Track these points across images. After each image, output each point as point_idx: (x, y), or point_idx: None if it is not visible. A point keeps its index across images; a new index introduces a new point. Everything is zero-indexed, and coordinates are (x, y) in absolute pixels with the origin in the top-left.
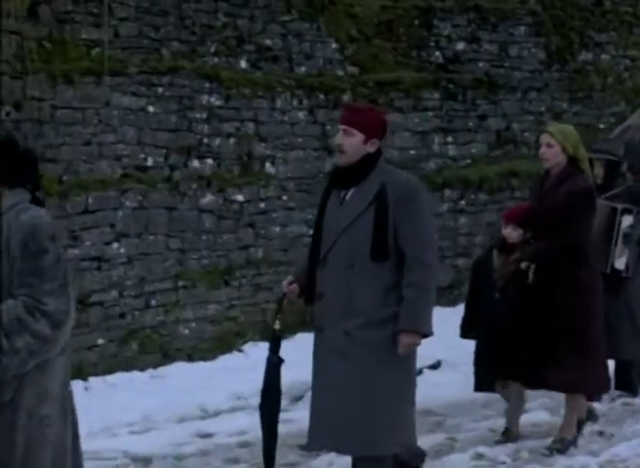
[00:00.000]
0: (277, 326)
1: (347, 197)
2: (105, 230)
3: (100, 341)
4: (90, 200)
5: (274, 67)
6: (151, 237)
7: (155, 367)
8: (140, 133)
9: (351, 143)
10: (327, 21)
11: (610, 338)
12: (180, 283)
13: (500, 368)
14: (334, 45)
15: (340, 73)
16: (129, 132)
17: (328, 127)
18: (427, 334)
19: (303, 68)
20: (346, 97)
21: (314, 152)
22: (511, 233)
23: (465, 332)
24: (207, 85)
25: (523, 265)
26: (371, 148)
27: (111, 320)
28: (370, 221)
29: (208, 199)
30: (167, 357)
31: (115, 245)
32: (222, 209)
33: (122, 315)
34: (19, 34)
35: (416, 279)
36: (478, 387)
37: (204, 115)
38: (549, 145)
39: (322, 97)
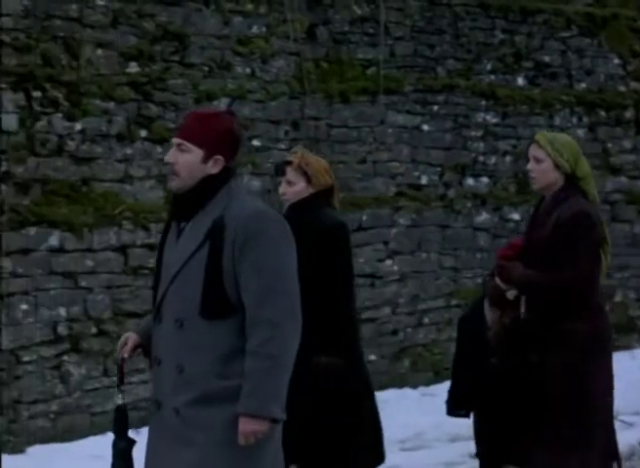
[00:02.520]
0: (120, 400)
1: (183, 233)
2: (379, 247)
3: (373, 357)
4: (364, 217)
5: (553, 84)
6: (424, 255)
7: (427, 384)
8: (414, 151)
9: (185, 162)
10: (608, 37)
11: None
12: (454, 301)
13: (504, 451)
14: (616, 60)
15: (623, 89)
16: (403, 150)
17: (609, 144)
18: (276, 419)
19: (583, 84)
20: (628, 114)
21: (596, 171)
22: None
23: (453, 409)
24: (483, 102)
25: (510, 295)
26: (213, 168)
27: (384, 336)
28: (202, 266)
29: (483, 217)
30: (438, 375)
31: (388, 262)
32: (498, 227)
33: (394, 332)
34: (297, 55)
35: (258, 345)
36: None
37: (479, 133)
38: (537, 160)
39: (603, 113)
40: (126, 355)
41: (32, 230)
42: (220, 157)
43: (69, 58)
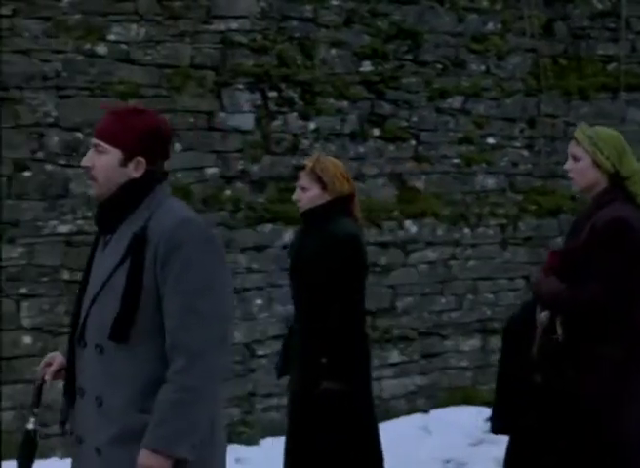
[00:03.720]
0: (31, 425)
1: (107, 247)
2: None
3: None
4: None
5: None
6: None
7: None
8: None
9: (102, 165)
10: None
11: None
12: None
13: None
14: None
15: None
16: None
17: None
18: (181, 459)
19: None
20: None
21: None
22: None
23: (498, 426)
24: None
25: (543, 316)
26: (134, 172)
27: None
28: (122, 284)
29: None
30: None
31: None
32: None
33: None
34: (534, 52)
35: (172, 373)
36: None
37: None
38: (575, 158)
39: None
40: (47, 377)
41: (267, 227)
42: (141, 159)
43: (304, 57)
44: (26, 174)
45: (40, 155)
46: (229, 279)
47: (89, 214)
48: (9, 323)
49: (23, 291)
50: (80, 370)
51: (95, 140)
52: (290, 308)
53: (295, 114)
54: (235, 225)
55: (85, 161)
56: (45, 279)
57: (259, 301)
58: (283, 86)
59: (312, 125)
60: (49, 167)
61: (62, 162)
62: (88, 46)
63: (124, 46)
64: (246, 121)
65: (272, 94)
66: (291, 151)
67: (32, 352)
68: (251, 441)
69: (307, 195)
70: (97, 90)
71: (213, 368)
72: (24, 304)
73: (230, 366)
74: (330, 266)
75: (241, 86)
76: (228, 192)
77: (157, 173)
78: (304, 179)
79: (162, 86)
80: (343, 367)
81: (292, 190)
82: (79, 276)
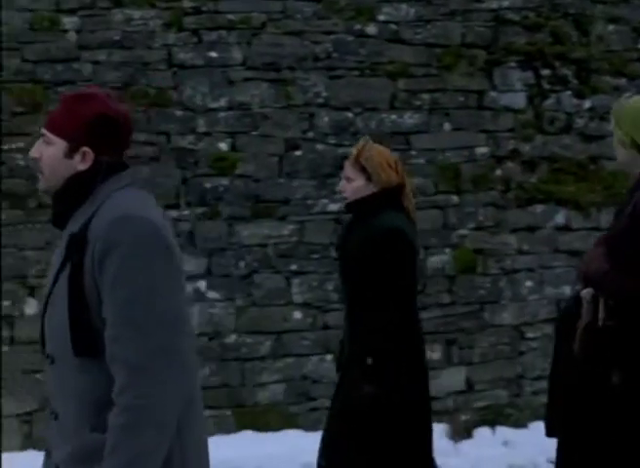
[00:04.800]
0: None
1: (59, 245)
2: None
3: None
4: None
5: None
6: None
7: None
8: None
9: (48, 157)
10: None
11: None
12: None
13: None
14: None
15: None
16: None
17: None
18: None
19: None
20: None
21: None
22: None
23: (552, 428)
24: None
25: (584, 294)
26: (81, 164)
27: None
28: (65, 290)
29: None
30: None
31: None
32: None
33: None
34: None
35: (116, 393)
36: None
37: None
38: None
39: None
40: None
41: (539, 208)
42: (87, 149)
43: (579, 34)
44: (297, 153)
45: (310, 135)
46: (178, 281)
47: None
48: (280, 298)
49: (294, 267)
50: (46, 381)
51: (42, 130)
52: (561, 290)
53: (569, 93)
54: (505, 205)
55: (32, 152)
56: (315, 256)
57: (529, 283)
58: (557, 64)
59: (587, 104)
60: (319, 146)
61: (332, 141)
62: (358, 26)
63: (394, 26)
64: (518, 100)
65: (545, 72)
66: (564, 130)
67: (302, 327)
68: (519, 423)
69: (352, 186)
70: (366, 70)
71: (161, 382)
72: (295, 280)
73: (192, 378)
74: (370, 263)
75: (513, 64)
76: (499, 172)
77: (107, 164)
78: (349, 169)
79: (432, 65)
80: (378, 370)
81: (565, 171)
82: None
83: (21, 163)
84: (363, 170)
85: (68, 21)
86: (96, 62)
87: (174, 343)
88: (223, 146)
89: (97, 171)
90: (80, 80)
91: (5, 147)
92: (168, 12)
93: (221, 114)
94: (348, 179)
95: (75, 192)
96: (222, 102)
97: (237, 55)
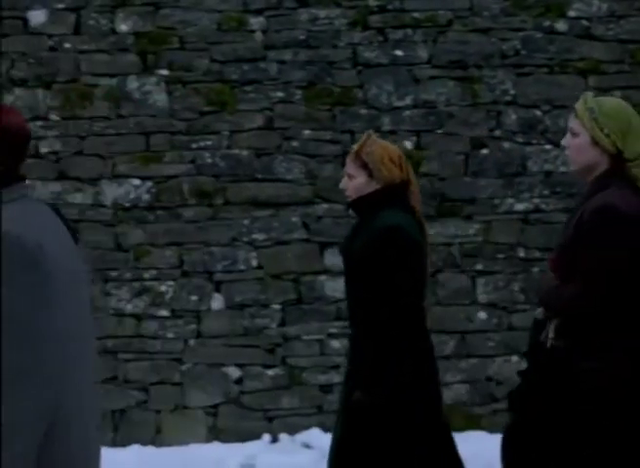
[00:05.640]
0: None
1: None
2: None
3: None
4: None
5: None
6: None
7: None
8: None
9: None
10: None
11: None
12: None
13: None
14: None
15: None
16: None
17: None
18: None
19: None
20: None
21: None
22: None
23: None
24: None
25: (538, 314)
26: None
27: None
28: None
29: None
30: None
31: None
32: None
33: None
34: None
35: None
36: None
37: None
38: (573, 132)
39: None
40: None
41: None
42: None
43: None
44: (484, 151)
45: (497, 133)
46: (42, 297)
47: (546, 192)
48: (464, 298)
49: (479, 267)
50: None
51: None
52: None
53: None
54: None
55: None
56: (501, 256)
57: None
58: None
59: None
60: (506, 144)
61: (520, 140)
62: (547, 23)
63: (585, 22)
64: None
65: None
66: None
67: (487, 327)
68: None
69: (353, 183)
70: (556, 67)
71: (12, 415)
72: (480, 280)
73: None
74: (371, 264)
75: None
76: None
77: (3, 175)
78: (350, 166)
79: (624, 62)
80: (375, 377)
81: None
82: (537, 254)
83: (209, 161)
84: (364, 166)
85: (255, 22)
86: (281, 62)
87: (25, 359)
88: (408, 145)
89: None
90: (266, 79)
91: (194, 146)
92: (353, 11)
93: (406, 112)
94: (350, 176)
95: None
96: (408, 101)
97: (423, 53)
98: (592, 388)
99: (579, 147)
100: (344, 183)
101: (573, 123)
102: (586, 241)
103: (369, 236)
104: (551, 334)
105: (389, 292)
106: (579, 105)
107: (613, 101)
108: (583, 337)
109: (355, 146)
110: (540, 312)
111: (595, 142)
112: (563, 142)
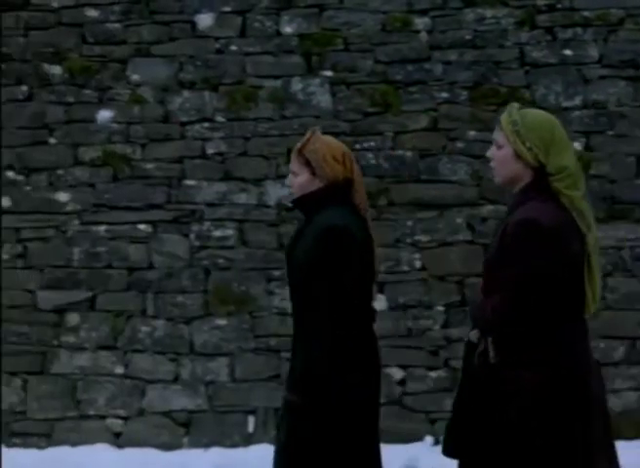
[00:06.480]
0: None
1: None
2: None
3: None
4: None
5: None
6: None
7: None
8: None
9: None
10: None
11: None
12: None
13: None
14: None
15: None
16: None
17: None
18: None
19: None
20: None
21: None
22: None
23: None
24: None
25: (472, 336)
26: None
27: None
28: None
29: None
30: None
31: None
32: None
33: None
34: None
35: None
36: None
37: None
38: (497, 145)
39: None
40: None
41: None
42: None
43: None
44: None
45: None
46: None
47: None
48: (635, 302)
49: None
50: None
51: None
52: None
53: None
54: None
55: None
56: None
57: None
58: None
59: None
60: None
61: None
62: None
63: None
64: None
65: None
66: None
67: None
68: None
69: (297, 181)
70: None
71: None
72: None
73: None
74: (313, 264)
75: None
76: None
77: None
78: (294, 163)
79: None
80: (311, 378)
81: None
82: None
83: (373, 162)
84: (307, 163)
85: (420, 22)
86: (447, 62)
87: None
88: (577, 146)
89: None
90: (431, 80)
91: (358, 147)
92: (520, 10)
93: (576, 113)
94: (294, 174)
95: None
96: (577, 101)
97: (593, 52)
98: (515, 390)
99: (502, 160)
100: (289, 181)
101: (497, 135)
102: (507, 254)
103: (312, 237)
104: (492, 353)
105: (335, 293)
106: (503, 117)
107: (537, 114)
108: (513, 352)
109: (299, 143)
110: (474, 333)
111: (518, 156)
112: (488, 154)
